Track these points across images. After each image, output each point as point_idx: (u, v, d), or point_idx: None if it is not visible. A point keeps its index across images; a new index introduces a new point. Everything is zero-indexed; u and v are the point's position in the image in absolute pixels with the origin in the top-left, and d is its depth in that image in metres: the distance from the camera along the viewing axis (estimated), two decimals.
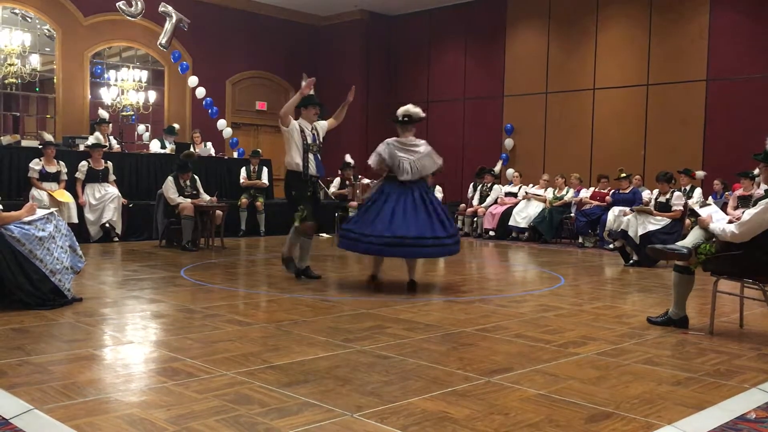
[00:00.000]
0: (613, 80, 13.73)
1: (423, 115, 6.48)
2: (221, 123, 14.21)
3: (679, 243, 4.99)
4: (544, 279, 7.58)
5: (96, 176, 10.18)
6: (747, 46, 12.14)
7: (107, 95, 13.64)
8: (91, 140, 10.95)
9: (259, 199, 11.84)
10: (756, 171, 10.03)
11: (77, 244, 5.45)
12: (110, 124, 12.11)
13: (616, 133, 13.62)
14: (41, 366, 3.55)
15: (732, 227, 4.45)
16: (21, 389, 3.13)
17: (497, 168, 14.23)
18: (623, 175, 10.70)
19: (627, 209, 9.26)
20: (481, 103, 15.50)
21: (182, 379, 3.36)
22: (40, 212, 5.24)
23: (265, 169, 12.26)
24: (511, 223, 12.23)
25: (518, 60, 15.08)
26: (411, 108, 6.45)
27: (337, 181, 12.64)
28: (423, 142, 6.47)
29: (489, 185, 13.08)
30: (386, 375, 3.52)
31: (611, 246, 9.95)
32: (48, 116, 13.86)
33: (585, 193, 11.92)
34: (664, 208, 8.77)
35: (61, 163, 9.96)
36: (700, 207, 5.31)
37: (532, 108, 14.72)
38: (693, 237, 4.84)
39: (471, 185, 13.61)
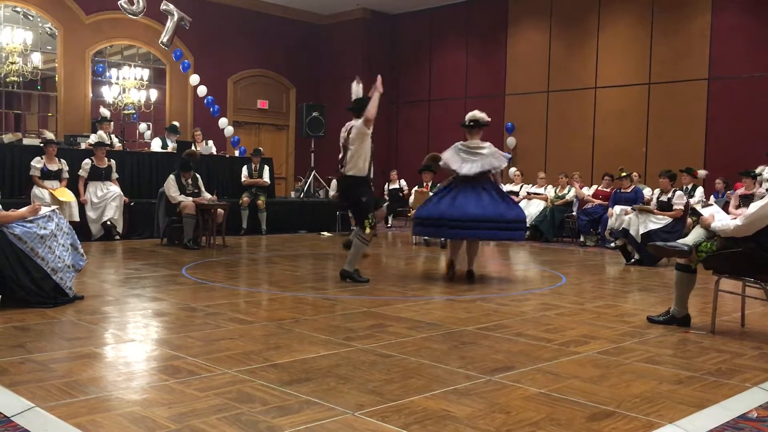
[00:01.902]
0: (614, 79, 13.72)
1: (488, 119, 7.04)
2: (223, 121, 14.21)
3: (680, 240, 4.98)
4: (545, 278, 7.58)
5: (99, 174, 10.18)
6: (749, 45, 12.13)
7: (109, 93, 13.65)
8: (94, 138, 10.97)
9: (261, 197, 11.83)
10: (758, 169, 10.04)
11: (79, 242, 5.45)
12: (112, 123, 12.13)
13: (618, 132, 13.62)
14: (43, 364, 3.55)
15: (736, 221, 4.45)
16: (23, 387, 3.14)
17: None
18: (624, 174, 10.70)
19: (628, 208, 9.26)
20: (483, 102, 15.46)
21: (184, 377, 3.36)
22: (42, 210, 5.23)
23: (266, 168, 12.26)
24: None
25: (520, 58, 15.07)
26: (477, 113, 6.98)
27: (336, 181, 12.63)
28: (488, 144, 6.96)
29: None
30: (387, 373, 3.52)
31: (613, 245, 9.95)
32: (49, 114, 13.88)
33: (587, 192, 11.91)
34: (665, 207, 8.76)
35: (63, 161, 9.96)
36: (702, 207, 5.30)
37: (533, 107, 14.72)
38: (694, 235, 4.84)
39: None
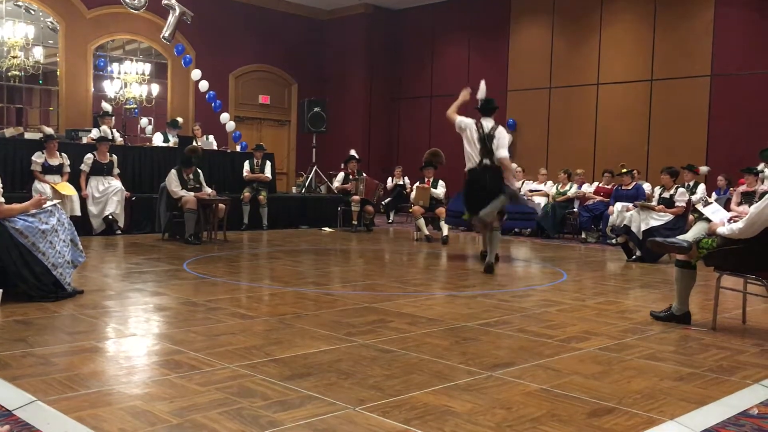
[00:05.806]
0: (617, 75, 13.70)
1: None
2: (224, 116, 14.20)
3: (680, 236, 4.97)
4: (546, 274, 7.58)
5: (101, 169, 10.19)
6: (752, 42, 12.10)
7: (110, 88, 13.65)
8: (96, 133, 10.96)
9: (262, 192, 11.83)
10: (760, 167, 10.02)
11: (78, 238, 5.45)
12: (113, 117, 12.12)
13: (620, 129, 13.60)
14: (44, 358, 3.56)
15: (738, 224, 4.44)
16: (24, 381, 3.14)
17: None
18: (624, 170, 10.68)
19: (630, 205, 9.25)
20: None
21: (185, 372, 3.37)
22: (44, 204, 5.23)
23: (268, 163, 12.26)
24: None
25: (522, 55, 15.05)
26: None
27: (341, 175, 12.63)
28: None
29: None
30: (388, 369, 3.53)
31: (614, 241, 9.94)
32: (51, 109, 13.87)
33: (588, 188, 11.90)
34: (667, 204, 8.75)
35: (64, 155, 9.96)
36: (704, 206, 5.28)
37: (535, 103, 14.70)
38: (695, 231, 4.84)
39: None
